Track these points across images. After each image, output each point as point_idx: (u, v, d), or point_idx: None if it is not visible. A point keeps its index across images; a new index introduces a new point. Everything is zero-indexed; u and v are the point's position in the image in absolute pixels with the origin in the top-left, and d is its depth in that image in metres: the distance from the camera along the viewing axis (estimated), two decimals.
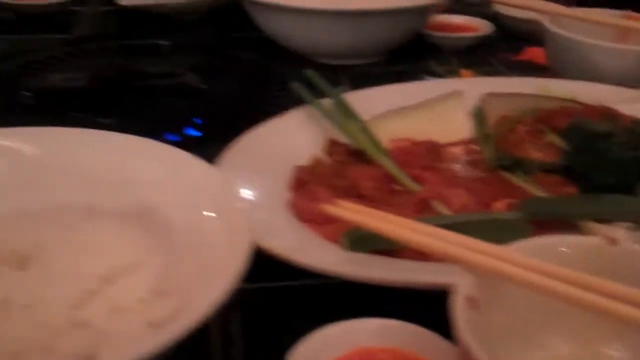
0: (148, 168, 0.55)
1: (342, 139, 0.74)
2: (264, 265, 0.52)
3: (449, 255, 0.49)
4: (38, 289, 0.46)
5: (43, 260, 0.49)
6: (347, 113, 0.75)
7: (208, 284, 0.45)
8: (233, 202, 0.50)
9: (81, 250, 0.50)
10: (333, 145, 0.74)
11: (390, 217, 0.54)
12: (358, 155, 0.72)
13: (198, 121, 0.83)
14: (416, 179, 0.68)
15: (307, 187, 0.67)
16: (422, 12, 1.03)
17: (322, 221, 0.62)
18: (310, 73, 0.80)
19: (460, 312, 0.41)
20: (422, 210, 0.64)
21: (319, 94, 0.79)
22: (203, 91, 0.92)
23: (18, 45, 1.12)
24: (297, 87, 0.78)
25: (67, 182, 0.55)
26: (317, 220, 0.62)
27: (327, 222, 0.61)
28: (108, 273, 0.48)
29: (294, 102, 0.84)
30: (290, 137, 0.74)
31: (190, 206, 0.52)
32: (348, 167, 0.70)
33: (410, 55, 1.07)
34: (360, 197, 0.66)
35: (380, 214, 0.54)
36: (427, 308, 0.48)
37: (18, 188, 0.55)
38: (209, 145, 0.61)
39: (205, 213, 0.51)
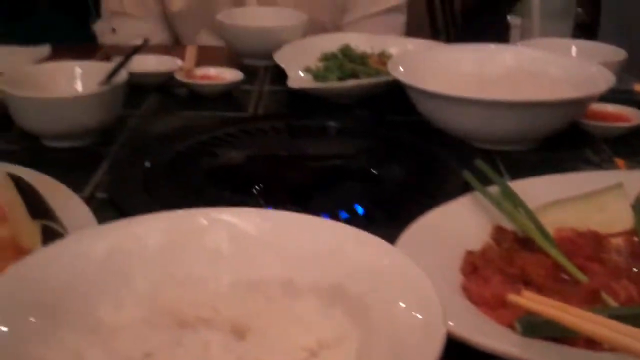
0: (345, 250, 0.61)
1: (509, 226, 0.79)
2: None
3: (626, 348, 0.53)
4: (258, 357, 0.53)
5: (258, 330, 0.55)
6: (514, 201, 0.80)
7: None
8: (426, 291, 0.56)
9: (289, 322, 0.56)
10: (501, 232, 0.79)
11: (567, 307, 0.59)
12: (524, 243, 0.77)
13: (366, 203, 0.89)
14: (581, 269, 0.72)
15: (479, 272, 0.72)
16: (581, 103, 1.07)
17: (495, 305, 0.67)
18: (479, 163, 0.86)
19: None
20: (590, 301, 0.67)
21: (485, 180, 0.84)
22: (370, 173, 0.98)
23: (193, 123, 1.20)
24: (467, 175, 0.84)
25: (274, 258, 0.62)
26: (489, 304, 0.67)
27: (499, 307, 0.66)
28: (314, 346, 0.54)
29: (458, 186, 0.90)
30: (460, 223, 0.79)
31: (383, 289, 0.58)
32: (516, 254, 0.74)
33: (563, 142, 1.11)
34: (528, 284, 0.71)
35: (557, 303, 0.59)
36: None
37: (234, 261, 0.62)
38: (377, 227, 0.66)
39: (399, 298, 0.56)
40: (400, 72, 1.14)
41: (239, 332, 0.56)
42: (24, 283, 0.57)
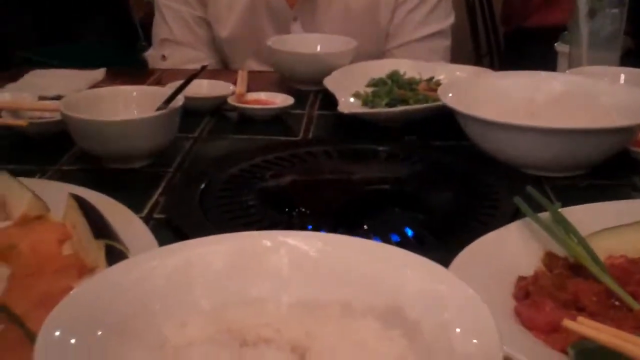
0: (402, 274, 0.63)
1: (560, 252, 0.80)
2: None
3: None
4: None
5: (317, 350, 0.57)
6: (565, 228, 0.81)
7: None
8: (483, 316, 0.57)
9: (348, 343, 0.57)
10: (552, 258, 0.80)
11: (621, 333, 0.60)
12: (575, 269, 0.78)
13: (416, 228, 0.90)
14: (633, 295, 0.73)
15: (532, 297, 0.73)
16: (631, 131, 1.07)
17: (548, 330, 0.68)
18: (530, 189, 0.87)
19: None
20: None
21: (535, 206, 0.85)
22: (419, 198, 0.99)
23: (245, 146, 1.22)
24: (518, 201, 0.85)
25: (333, 280, 0.63)
26: (542, 329, 0.68)
27: (552, 332, 0.68)
28: None
29: (507, 212, 0.91)
30: (512, 249, 0.81)
31: (439, 314, 0.59)
32: (568, 281, 0.75)
33: (612, 168, 1.11)
34: (580, 310, 0.71)
35: (611, 330, 0.60)
36: None
37: (294, 282, 0.64)
38: (428, 252, 0.67)
39: (456, 323, 0.57)
40: (450, 98, 1.16)
41: (299, 352, 0.57)
42: (93, 300, 0.59)
